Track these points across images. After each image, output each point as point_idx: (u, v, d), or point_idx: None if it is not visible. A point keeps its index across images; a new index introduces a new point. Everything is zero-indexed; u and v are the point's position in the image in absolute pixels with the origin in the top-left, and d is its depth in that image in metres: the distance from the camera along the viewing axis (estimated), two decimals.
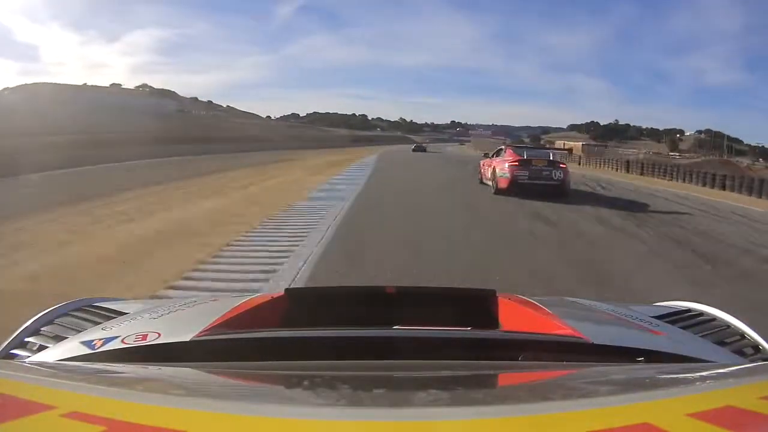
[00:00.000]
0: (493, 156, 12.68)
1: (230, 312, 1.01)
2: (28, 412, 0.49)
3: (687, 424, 0.48)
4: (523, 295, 1.22)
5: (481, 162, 13.96)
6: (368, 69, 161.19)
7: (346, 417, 0.51)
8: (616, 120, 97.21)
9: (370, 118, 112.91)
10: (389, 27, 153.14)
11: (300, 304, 1.18)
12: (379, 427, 0.48)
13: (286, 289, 1.18)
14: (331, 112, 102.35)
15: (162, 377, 0.70)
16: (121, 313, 1.11)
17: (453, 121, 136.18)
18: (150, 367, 0.74)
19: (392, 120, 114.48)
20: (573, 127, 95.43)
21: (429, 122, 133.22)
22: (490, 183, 12.21)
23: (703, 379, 0.71)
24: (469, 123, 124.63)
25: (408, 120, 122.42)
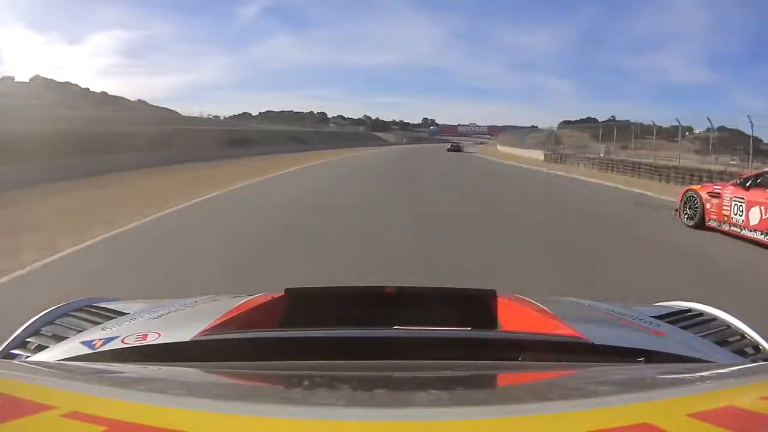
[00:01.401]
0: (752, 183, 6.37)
1: (230, 312, 1.01)
2: (28, 412, 0.49)
3: (687, 424, 0.48)
4: (523, 295, 1.22)
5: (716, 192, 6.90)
6: (332, 70, 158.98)
7: (346, 417, 0.51)
8: (613, 116, 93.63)
9: (330, 116, 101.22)
10: (352, 27, 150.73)
11: (300, 304, 1.18)
12: (379, 427, 0.48)
13: (286, 289, 1.18)
14: (286, 110, 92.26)
15: (162, 377, 0.70)
16: (121, 313, 1.11)
17: (426, 119, 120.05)
18: (150, 367, 0.74)
19: (355, 117, 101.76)
20: (566, 124, 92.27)
21: (398, 120, 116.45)
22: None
23: (704, 379, 0.71)
24: (446, 123, 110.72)
25: (373, 118, 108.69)
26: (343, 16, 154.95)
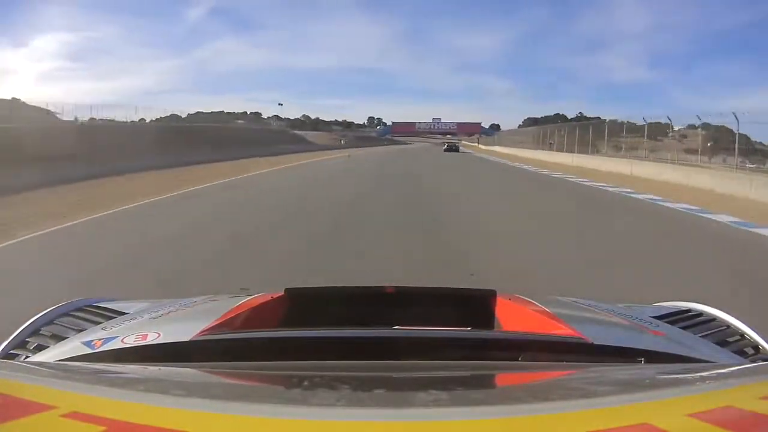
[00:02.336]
0: None
1: (230, 312, 1.01)
2: (28, 412, 0.49)
3: (687, 425, 0.48)
4: (523, 295, 1.22)
5: None
6: (278, 72, 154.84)
7: (346, 417, 0.51)
8: (580, 113, 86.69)
9: (265, 117, 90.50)
10: (298, 30, 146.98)
11: (300, 304, 1.18)
12: (379, 427, 0.48)
13: (286, 289, 1.18)
14: (216, 111, 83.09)
15: (162, 377, 0.70)
16: (121, 313, 1.11)
17: (372, 118, 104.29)
18: (150, 367, 0.74)
19: (292, 118, 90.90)
20: (532, 122, 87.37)
21: (340, 120, 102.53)
22: None
23: (703, 379, 0.71)
24: (401, 120, 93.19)
25: (313, 117, 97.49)
26: (289, 19, 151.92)
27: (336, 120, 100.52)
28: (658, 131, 23.24)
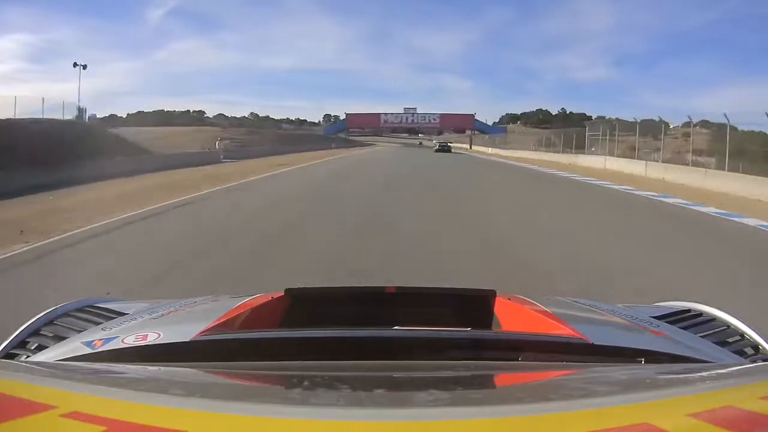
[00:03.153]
0: None
1: (230, 312, 1.01)
2: (28, 412, 0.49)
3: (687, 424, 0.48)
4: (524, 296, 1.22)
5: None
6: (238, 73, 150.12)
7: (346, 417, 0.51)
8: (563, 108, 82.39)
9: (210, 116, 79.87)
10: (260, 31, 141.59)
11: (300, 304, 1.18)
12: (379, 427, 0.48)
13: (286, 289, 1.18)
14: (156, 109, 73.28)
15: (162, 377, 0.70)
16: (122, 314, 1.11)
17: (328, 115, 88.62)
18: (150, 367, 0.74)
19: (239, 116, 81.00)
20: (512, 118, 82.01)
21: (293, 118, 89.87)
22: None
23: (703, 379, 0.71)
24: (362, 112, 73.11)
25: (262, 115, 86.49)
26: (252, 19, 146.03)
27: (288, 118, 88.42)
28: (651, 129, 22.69)
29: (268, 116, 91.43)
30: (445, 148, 42.01)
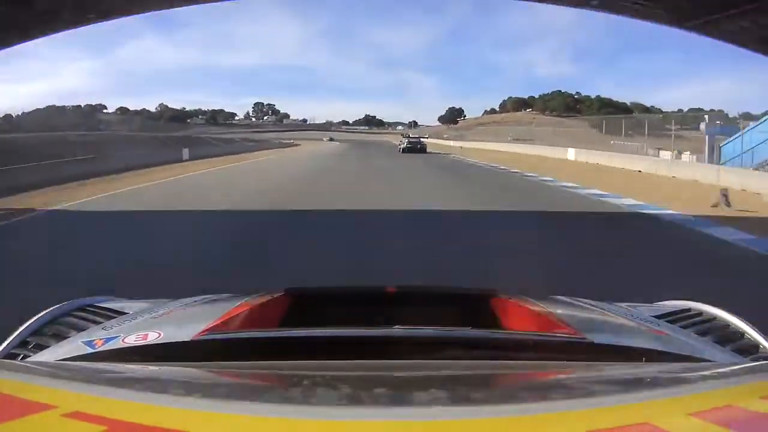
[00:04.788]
0: None
1: (230, 312, 1.01)
2: (28, 412, 0.49)
3: (688, 424, 0.48)
4: (524, 295, 1.22)
5: None
6: (200, 72, 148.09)
7: (347, 417, 0.51)
8: (579, 92, 75.48)
9: (113, 110, 73.04)
10: (221, 27, 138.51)
11: (300, 304, 1.18)
12: (380, 426, 0.48)
13: (286, 289, 1.18)
14: (50, 104, 61.39)
15: (162, 377, 0.70)
16: (122, 313, 1.11)
17: (259, 103, 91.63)
18: (151, 366, 0.74)
19: (153, 110, 75.53)
20: (455, 113, 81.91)
21: (251, 115, 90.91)
22: None
23: (704, 378, 0.71)
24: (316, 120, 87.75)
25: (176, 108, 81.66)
26: (212, 16, 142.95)
27: (200, 109, 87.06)
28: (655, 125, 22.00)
29: (199, 108, 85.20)
30: (416, 147, 30.76)
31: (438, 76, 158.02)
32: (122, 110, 76.90)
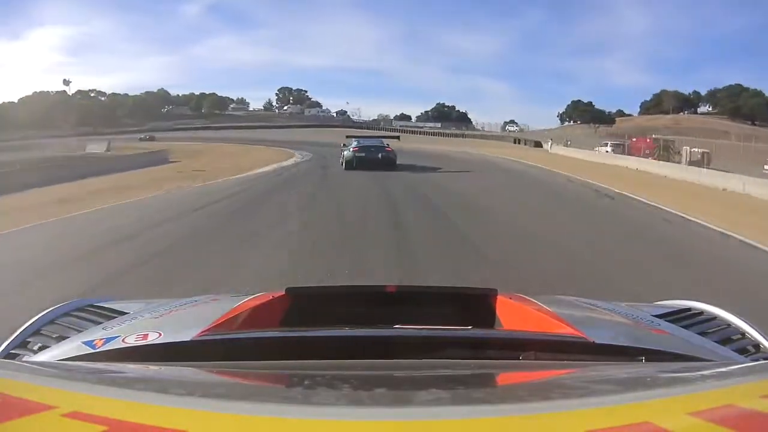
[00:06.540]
0: None
1: (230, 312, 1.01)
2: (28, 412, 0.49)
3: (688, 423, 0.48)
4: (525, 294, 1.22)
5: None
6: (273, 71, 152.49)
7: (347, 416, 0.51)
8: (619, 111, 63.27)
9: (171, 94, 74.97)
10: (295, 28, 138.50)
11: (300, 303, 1.18)
12: (380, 426, 0.48)
13: (287, 289, 1.18)
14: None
15: (163, 377, 0.70)
16: (122, 313, 1.11)
17: (285, 88, 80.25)
18: (151, 366, 0.74)
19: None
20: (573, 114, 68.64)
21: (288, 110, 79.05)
22: None
23: (704, 378, 0.70)
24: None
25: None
26: (287, 17, 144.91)
27: (284, 108, 74.51)
28: None
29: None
30: (379, 157, 16.53)
31: (509, 80, 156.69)
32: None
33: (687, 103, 63.31)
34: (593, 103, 68.70)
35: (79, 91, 79.68)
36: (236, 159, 22.85)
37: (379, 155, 16.64)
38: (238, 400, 0.59)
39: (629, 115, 67.50)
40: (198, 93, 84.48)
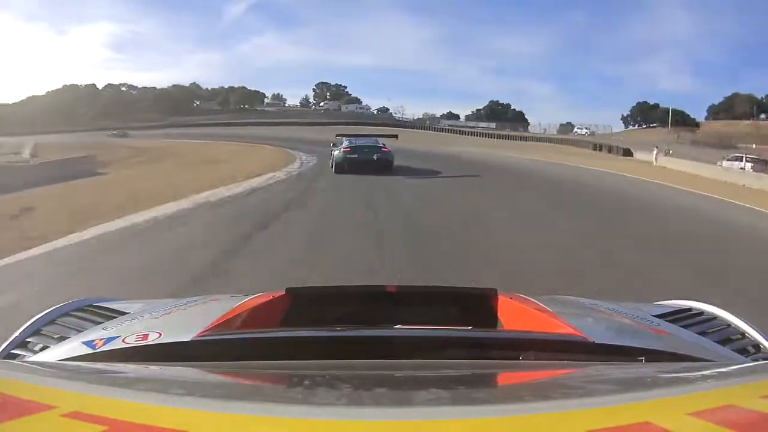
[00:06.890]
0: None
1: (231, 312, 1.01)
2: (28, 412, 0.49)
3: (688, 423, 0.48)
4: (525, 294, 1.22)
5: None
6: (316, 70, 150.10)
7: (347, 417, 0.51)
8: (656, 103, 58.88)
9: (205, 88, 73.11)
10: (338, 28, 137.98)
11: (300, 303, 1.18)
12: (380, 426, 0.48)
13: (287, 289, 1.18)
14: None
15: (163, 377, 0.70)
16: (122, 313, 1.11)
17: (323, 83, 76.77)
18: (151, 366, 0.74)
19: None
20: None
21: (325, 106, 72.55)
22: None
23: (704, 378, 0.70)
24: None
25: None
26: (330, 17, 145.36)
27: (321, 104, 72.09)
28: None
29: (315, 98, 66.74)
30: (373, 159, 14.37)
31: (552, 84, 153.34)
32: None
33: (759, 107, 57.89)
34: (659, 105, 62.87)
35: (110, 85, 78.19)
36: (195, 172, 14.35)
37: (374, 156, 14.44)
38: (238, 400, 0.58)
39: (693, 119, 61.45)
40: (227, 87, 79.68)
